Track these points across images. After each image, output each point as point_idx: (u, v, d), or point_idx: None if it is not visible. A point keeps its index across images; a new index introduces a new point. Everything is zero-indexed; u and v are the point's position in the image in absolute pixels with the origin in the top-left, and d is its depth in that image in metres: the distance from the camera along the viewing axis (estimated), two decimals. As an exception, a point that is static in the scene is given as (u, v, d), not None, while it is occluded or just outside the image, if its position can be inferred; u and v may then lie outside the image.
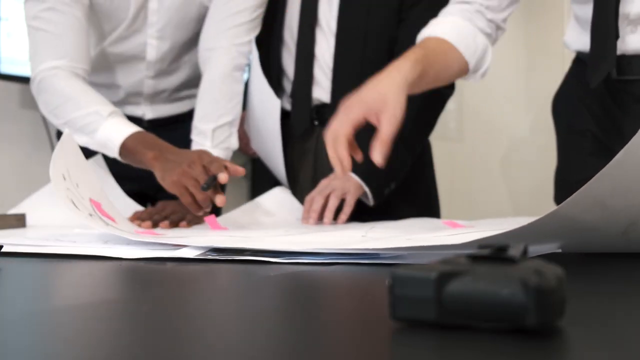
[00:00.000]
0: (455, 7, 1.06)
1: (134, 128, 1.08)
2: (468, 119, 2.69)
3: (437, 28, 1.02)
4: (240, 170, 1.03)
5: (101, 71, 1.30)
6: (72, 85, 1.12)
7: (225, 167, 1.00)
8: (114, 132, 1.07)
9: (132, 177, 1.25)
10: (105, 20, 1.22)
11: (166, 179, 1.01)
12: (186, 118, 1.38)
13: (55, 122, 1.14)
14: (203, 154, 1.03)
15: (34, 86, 1.15)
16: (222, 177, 0.97)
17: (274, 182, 1.32)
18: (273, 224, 1.13)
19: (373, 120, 0.86)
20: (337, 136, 0.86)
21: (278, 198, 1.23)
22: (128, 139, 1.06)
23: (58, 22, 1.12)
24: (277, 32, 1.30)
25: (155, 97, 1.33)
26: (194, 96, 1.37)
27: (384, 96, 0.86)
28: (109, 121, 1.08)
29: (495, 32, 1.08)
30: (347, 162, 0.86)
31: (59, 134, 1.45)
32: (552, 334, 0.28)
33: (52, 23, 1.12)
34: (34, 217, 1.08)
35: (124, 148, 1.06)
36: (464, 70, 1.05)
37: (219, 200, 0.98)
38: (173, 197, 1.17)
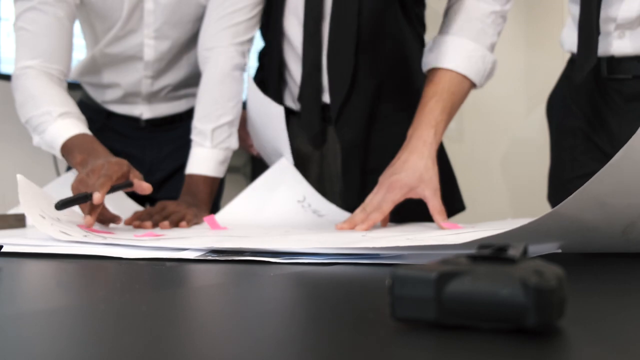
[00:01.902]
0: (464, 15, 1.04)
1: (79, 130, 1.06)
2: (468, 118, 2.69)
3: (448, 58, 1.02)
4: (146, 187, 0.97)
5: (100, 71, 1.30)
6: (37, 84, 1.11)
7: (130, 184, 0.95)
8: (59, 132, 1.06)
9: None
10: (99, 20, 1.21)
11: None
12: (184, 118, 1.37)
13: (22, 120, 1.14)
14: (110, 164, 0.94)
15: (11, 84, 1.15)
16: (95, 197, 0.87)
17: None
18: (275, 212, 1.12)
19: (413, 196, 0.98)
20: (377, 209, 0.96)
21: (281, 175, 1.21)
22: (69, 140, 1.04)
23: (37, 22, 1.12)
24: (277, 24, 1.25)
25: (153, 97, 1.33)
26: (191, 95, 1.37)
27: (419, 175, 0.96)
28: (57, 122, 1.07)
29: (502, 26, 1.08)
30: (369, 227, 0.94)
31: None
32: (552, 334, 0.28)
33: (31, 23, 1.12)
34: (34, 217, 1.08)
35: (64, 149, 1.05)
36: (472, 88, 1.07)
37: (85, 220, 0.88)
38: (172, 198, 1.17)
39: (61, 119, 1.07)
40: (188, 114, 1.36)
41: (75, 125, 1.07)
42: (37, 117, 1.09)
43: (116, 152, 1.06)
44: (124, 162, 0.97)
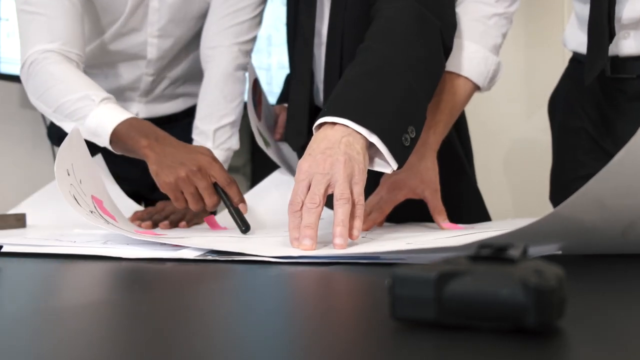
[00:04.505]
0: (467, 17, 1.03)
1: (127, 114, 1.00)
2: (468, 120, 2.69)
3: (448, 60, 0.99)
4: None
5: (100, 67, 1.28)
6: (63, 69, 1.06)
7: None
8: (105, 118, 0.99)
9: (127, 178, 1.24)
10: (102, 12, 1.19)
11: (161, 177, 0.92)
12: (179, 117, 1.36)
13: (44, 109, 1.07)
14: (211, 162, 0.94)
15: (23, 71, 1.09)
16: (243, 208, 0.91)
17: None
18: (273, 213, 1.12)
19: (413, 196, 0.97)
20: (377, 209, 0.96)
21: (280, 180, 1.21)
22: (120, 125, 0.98)
23: (51, 5, 1.06)
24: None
25: (150, 94, 1.31)
26: (188, 95, 1.35)
27: (419, 175, 0.96)
28: (101, 107, 1.00)
29: (506, 28, 1.06)
30: (370, 227, 0.94)
31: (50, 132, 1.42)
32: (552, 334, 0.28)
33: (44, 6, 1.07)
34: (34, 217, 1.08)
35: (116, 135, 0.98)
36: (475, 90, 1.05)
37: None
38: (168, 198, 1.17)
39: (104, 104, 1.01)
40: (184, 114, 1.35)
41: (121, 111, 1.01)
42: (74, 103, 1.02)
43: (108, 152, 1.05)
44: (211, 153, 0.97)
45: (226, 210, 1.16)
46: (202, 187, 0.91)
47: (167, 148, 0.95)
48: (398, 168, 0.76)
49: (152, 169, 0.94)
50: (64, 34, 1.08)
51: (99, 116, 1.00)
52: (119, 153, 1.02)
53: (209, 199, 0.92)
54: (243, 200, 0.93)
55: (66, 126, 1.05)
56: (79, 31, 1.10)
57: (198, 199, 0.92)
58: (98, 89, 1.04)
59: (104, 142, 1.00)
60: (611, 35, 1.01)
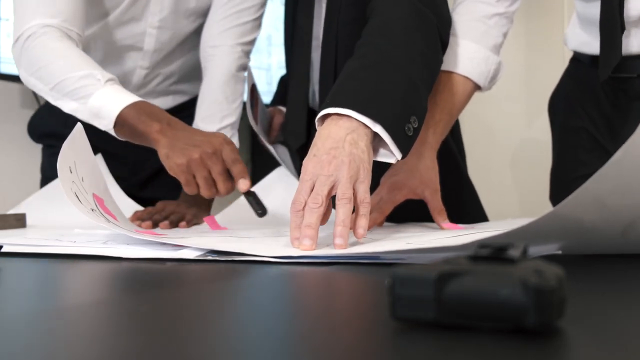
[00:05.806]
0: (467, 16, 1.02)
1: (135, 97, 0.96)
2: (468, 120, 2.69)
3: (448, 60, 1.00)
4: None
5: (94, 57, 1.26)
6: (64, 46, 1.00)
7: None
8: (111, 99, 0.94)
9: (116, 176, 1.23)
10: None
11: (172, 159, 0.88)
12: (169, 113, 1.35)
13: (38, 86, 1.01)
14: (224, 144, 0.88)
15: (17, 45, 1.02)
16: (242, 186, 0.87)
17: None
18: (276, 209, 1.12)
19: (413, 197, 0.96)
20: (377, 209, 0.94)
21: (279, 180, 1.21)
22: (129, 108, 0.93)
23: None
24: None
25: (142, 89, 1.28)
26: (180, 92, 1.34)
27: (418, 175, 0.95)
28: (107, 87, 0.95)
29: (507, 28, 1.06)
30: (370, 227, 0.92)
31: (30, 128, 1.40)
32: (552, 334, 0.28)
33: None
34: (34, 217, 1.08)
35: (122, 118, 0.93)
36: (476, 90, 1.04)
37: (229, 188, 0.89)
38: (158, 197, 1.15)
39: (110, 84, 0.96)
40: (174, 111, 1.33)
41: (127, 93, 0.96)
42: (76, 80, 0.96)
43: (97, 150, 1.02)
44: (226, 137, 0.92)
45: (227, 209, 1.17)
46: (217, 172, 0.87)
47: (180, 132, 0.91)
48: (402, 157, 0.76)
49: (163, 152, 0.89)
50: (65, 9, 1.03)
51: (105, 97, 0.95)
52: (121, 138, 0.98)
53: (223, 185, 0.87)
54: (245, 177, 0.88)
55: (64, 105, 1.00)
56: (81, 9, 1.05)
57: (211, 184, 0.88)
58: (102, 69, 0.99)
59: (106, 124, 0.95)
60: (622, 28, 1.01)
